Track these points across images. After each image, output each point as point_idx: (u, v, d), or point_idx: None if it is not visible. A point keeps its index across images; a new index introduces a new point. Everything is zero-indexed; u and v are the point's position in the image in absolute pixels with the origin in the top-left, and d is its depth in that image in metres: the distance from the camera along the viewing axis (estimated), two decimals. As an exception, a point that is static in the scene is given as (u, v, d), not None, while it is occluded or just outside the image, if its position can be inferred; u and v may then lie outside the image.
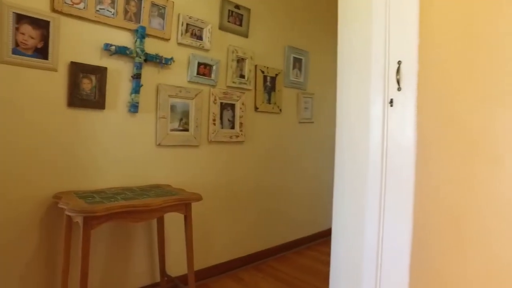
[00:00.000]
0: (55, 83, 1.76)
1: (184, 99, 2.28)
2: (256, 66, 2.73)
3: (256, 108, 2.76)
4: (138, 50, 1.98)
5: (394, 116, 1.29)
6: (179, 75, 2.25)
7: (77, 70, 1.82)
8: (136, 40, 1.99)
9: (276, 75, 2.90)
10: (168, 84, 2.18)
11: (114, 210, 1.48)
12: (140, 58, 2.00)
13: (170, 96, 2.20)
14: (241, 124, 2.64)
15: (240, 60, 2.61)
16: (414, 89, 1.21)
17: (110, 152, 1.96)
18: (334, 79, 1.77)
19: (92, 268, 1.88)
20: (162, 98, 2.16)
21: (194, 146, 2.36)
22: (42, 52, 1.71)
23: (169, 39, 2.17)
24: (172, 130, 2.24)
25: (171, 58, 2.15)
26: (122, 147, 2.01)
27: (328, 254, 1.66)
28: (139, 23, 2.01)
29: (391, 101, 1.29)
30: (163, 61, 2.11)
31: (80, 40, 1.83)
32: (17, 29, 1.64)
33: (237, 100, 2.61)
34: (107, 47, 1.88)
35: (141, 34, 1.99)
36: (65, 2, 1.75)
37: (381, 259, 1.38)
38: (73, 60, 1.80)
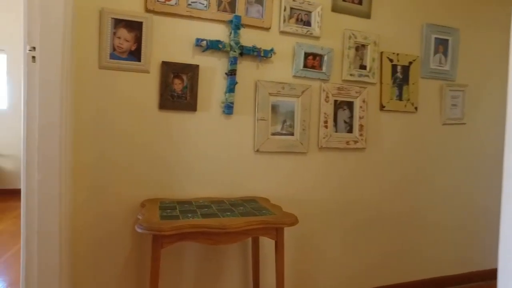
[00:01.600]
0: (147, 85, 1.68)
1: (288, 97, 1.94)
2: (381, 53, 2.17)
3: (382, 107, 2.19)
4: (232, 43, 1.75)
5: None
6: (281, 69, 1.92)
7: (168, 70, 1.70)
8: (230, 32, 1.77)
9: (410, 63, 2.25)
10: (268, 81, 1.88)
11: (183, 229, 1.25)
12: (235, 51, 1.75)
13: (271, 94, 1.89)
14: (361, 126, 2.12)
15: (360, 47, 2.10)
16: None
17: (202, 158, 1.78)
18: (500, 63, 1.11)
19: (179, 285, 1.73)
20: (261, 96, 1.87)
21: (300, 153, 1.98)
22: (135, 54, 1.65)
23: (269, 28, 1.87)
24: (274, 134, 1.92)
25: (271, 50, 1.84)
26: (216, 153, 1.80)
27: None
28: (234, 13, 1.78)
29: None
30: (262, 54, 1.82)
31: (171, 38, 1.70)
32: (114, 33, 1.62)
33: (356, 97, 2.11)
34: (198, 43, 1.70)
35: (235, 25, 1.75)
36: (158, 0, 1.65)
37: None
38: (164, 60, 1.69)
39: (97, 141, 1.61)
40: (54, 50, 1.43)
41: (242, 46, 1.77)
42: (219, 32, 1.77)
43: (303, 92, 1.95)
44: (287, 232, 1.89)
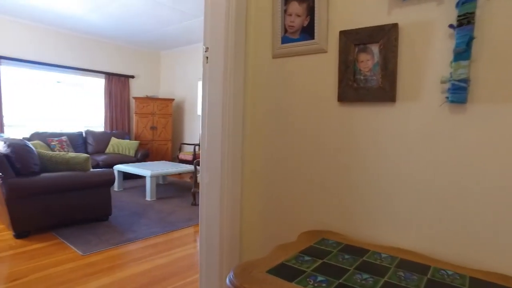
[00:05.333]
0: (324, 69, 1.20)
1: None
2: None
3: None
4: (460, -36, 0.90)
5: None
6: None
7: (349, 43, 1.12)
8: None
9: None
10: None
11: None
12: (468, -21, 0.89)
13: None
14: None
15: None
16: None
17: (406, 183, 1.04)
18: None
19: None
20: (543, 60, 0.85)
21: None
22: (308, 30, 1.23)
23: None
24: None
25: None
26: (432, 177, 1.00)
27: None
28: None
29: None
30: (543, -36, 0.81)
31: (352, -7, 1.12)
32: (285, 11, 1.29)
33: None
34: (391, -14, 1.01)
35: None
36: None
37: None
38: (343, 29, 1.13)
39: (270, 143, 1.34)
40: (217, 49, 1.35)
41: (485, -39, 0.87)
42: (434, -47, 0.97)
43: None
44: None
